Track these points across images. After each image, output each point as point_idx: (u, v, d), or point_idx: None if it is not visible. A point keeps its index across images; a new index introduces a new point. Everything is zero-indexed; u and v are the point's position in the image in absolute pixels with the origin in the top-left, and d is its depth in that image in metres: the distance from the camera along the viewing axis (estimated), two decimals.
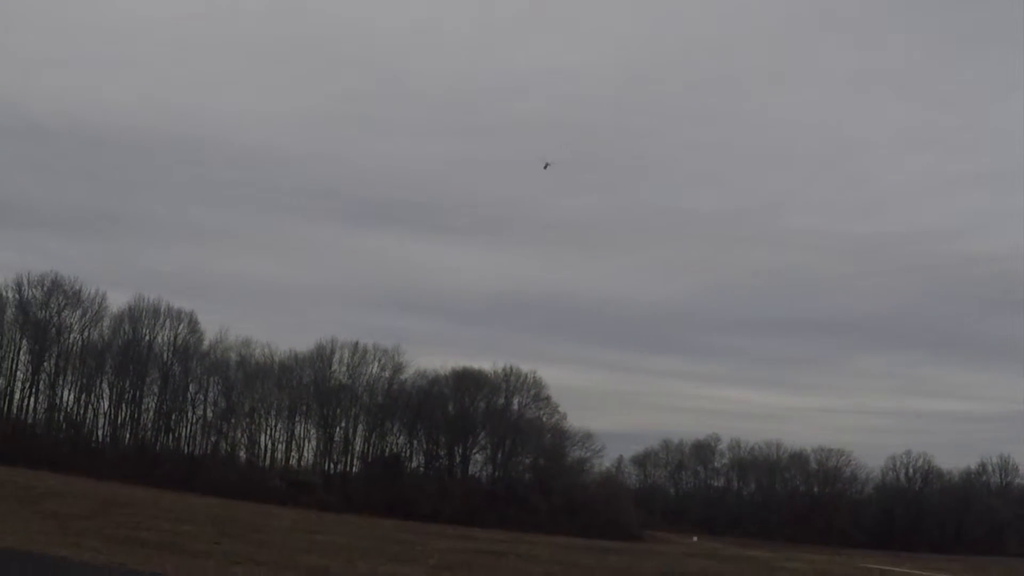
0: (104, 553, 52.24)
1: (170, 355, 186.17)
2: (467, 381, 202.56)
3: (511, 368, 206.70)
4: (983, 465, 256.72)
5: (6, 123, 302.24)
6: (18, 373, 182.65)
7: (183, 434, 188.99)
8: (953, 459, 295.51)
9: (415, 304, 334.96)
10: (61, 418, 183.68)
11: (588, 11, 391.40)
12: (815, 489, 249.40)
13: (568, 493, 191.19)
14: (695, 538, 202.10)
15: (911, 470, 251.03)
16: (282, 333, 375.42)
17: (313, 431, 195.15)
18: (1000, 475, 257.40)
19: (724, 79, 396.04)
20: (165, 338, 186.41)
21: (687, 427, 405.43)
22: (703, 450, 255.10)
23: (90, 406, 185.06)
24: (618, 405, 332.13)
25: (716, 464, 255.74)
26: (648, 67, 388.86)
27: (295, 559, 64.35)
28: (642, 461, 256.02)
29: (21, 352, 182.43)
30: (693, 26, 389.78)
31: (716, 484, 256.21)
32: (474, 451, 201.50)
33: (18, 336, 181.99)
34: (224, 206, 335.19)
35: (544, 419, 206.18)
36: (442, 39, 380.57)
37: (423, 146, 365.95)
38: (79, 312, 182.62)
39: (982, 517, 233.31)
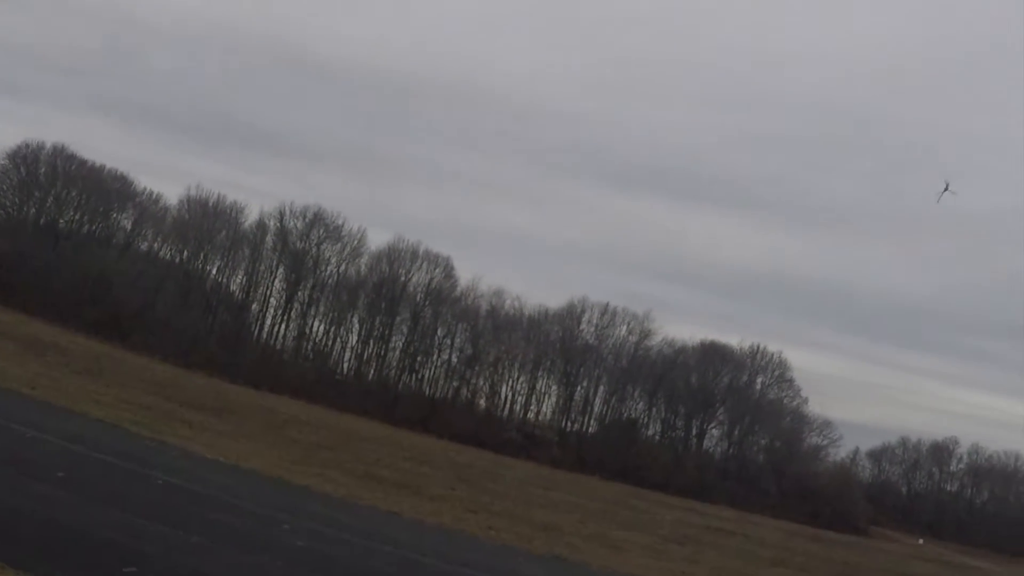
0: (344, 486, 53.33)
1: (423, 297, 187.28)
2: (712, 354, 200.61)
3: (758, 346, 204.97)
4: None
5: (287, 57, 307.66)
6: (271, 300, 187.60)
7: (426, 376, 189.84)
8: None
9: (669, 272, 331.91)
10: (309, 348, 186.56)
11: None
12: None
13: (800, 479, 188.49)
14: (921, 540, 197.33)
15: None
16: (534, 287, 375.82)
17: (554, 387, 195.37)
18: None
19: (996, 70, 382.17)
20: (420, 280, 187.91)
21: (927, 426, 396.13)
22: (940, 452, 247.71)
23: (338, 339, 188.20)
24: (861, 396, 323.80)
25: (952, 468, 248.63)
26: (918, 53, 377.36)
27: (528, 513, 65.32)
28: (878, 456, 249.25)
29: (277, 280, 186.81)
30: (965, 10, 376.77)
31: (949, 488, 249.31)
32: (711, 426, 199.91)
33: (275, 264, 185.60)
34: (491, 157, 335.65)
35: (785, 401, 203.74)
36: (728, 9, 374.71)
37: (698, 117, 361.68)
38: (338, 246, 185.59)
39: None
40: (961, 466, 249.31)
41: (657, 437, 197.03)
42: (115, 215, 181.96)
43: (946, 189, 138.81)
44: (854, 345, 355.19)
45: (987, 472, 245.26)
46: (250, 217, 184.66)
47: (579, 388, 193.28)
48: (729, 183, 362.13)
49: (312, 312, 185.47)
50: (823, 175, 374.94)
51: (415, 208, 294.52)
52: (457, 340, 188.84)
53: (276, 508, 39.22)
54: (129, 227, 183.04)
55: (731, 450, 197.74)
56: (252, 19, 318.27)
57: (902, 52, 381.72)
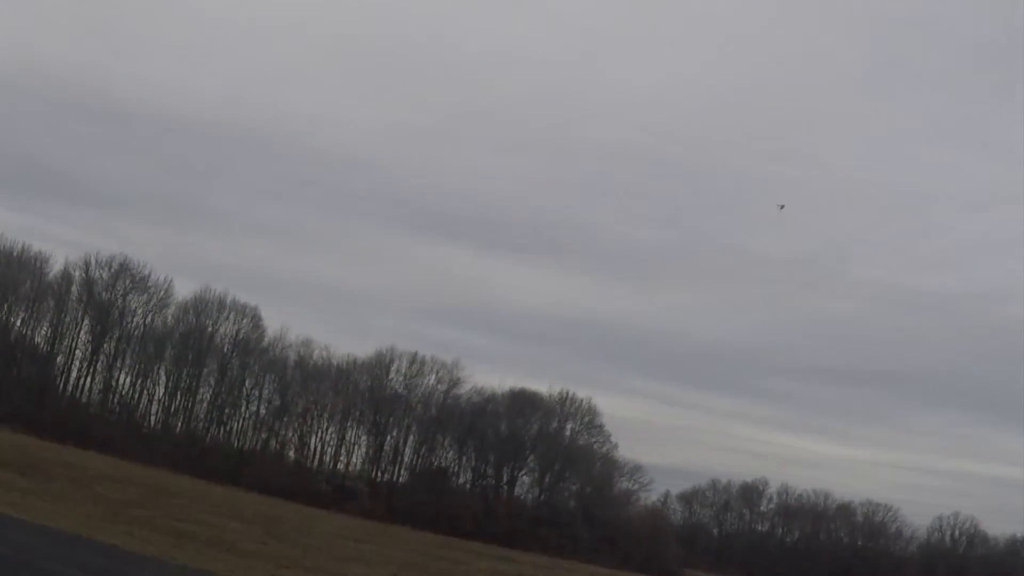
0: (154, 544, 52.36)
1: (230, 348, 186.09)
2: (522, 402, 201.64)
3: (567, 393, 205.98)
4: None
5: (90, 104, 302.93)
6: (77, 352, 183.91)
7: (234, 428, 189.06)
8: (1001, 525, 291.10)
9: (476, 319, 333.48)
10: (115, 401, 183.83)
11: (670, 40, 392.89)
12: (859, 542, 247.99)
13: (612, 523, 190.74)
14: None
15: (957, 532, 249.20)
16: (342, 336, 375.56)
17: (364, 438, 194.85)
18: None
19: (800, 119, 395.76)
20: (227, 331, 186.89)
21: (736, 468, 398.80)
22: (750, 493, 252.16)
23: (145, 392, 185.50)
24: (670, 440, 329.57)
25: (762, 508, 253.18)
26: (724, 101, 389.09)
27: (342, 568, 65.04)
28: (689, 498, 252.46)
29: (82, 331, 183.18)
30: (773, 65, 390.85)
31: (760, 528, 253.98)
32: (522, 473, 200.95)
33: (80, 315, 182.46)
34: (297, 204, 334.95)
35: (595, 447, 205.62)
36: (526, 56, 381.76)
37: (500, 163, 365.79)
38: (145, 297, 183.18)
39: None
40: (771, 506, 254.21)
41: (468, 485, 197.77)
42: None
43: (782, 207, 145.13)
44: (661, 389, 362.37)
45: (797, 511, 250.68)
46: (55, 267, 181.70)
47: (389, 438, 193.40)
48: (532, 229, 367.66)
49: (118, 364, 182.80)
50: (624, 221, 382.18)
51: (222, 257, 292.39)
52: (265, 391, 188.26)
53: (85, 570, 38.75)
54: None
55: (542, 497, 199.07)
56: (56, 64, 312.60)
57: (701, 100, 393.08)
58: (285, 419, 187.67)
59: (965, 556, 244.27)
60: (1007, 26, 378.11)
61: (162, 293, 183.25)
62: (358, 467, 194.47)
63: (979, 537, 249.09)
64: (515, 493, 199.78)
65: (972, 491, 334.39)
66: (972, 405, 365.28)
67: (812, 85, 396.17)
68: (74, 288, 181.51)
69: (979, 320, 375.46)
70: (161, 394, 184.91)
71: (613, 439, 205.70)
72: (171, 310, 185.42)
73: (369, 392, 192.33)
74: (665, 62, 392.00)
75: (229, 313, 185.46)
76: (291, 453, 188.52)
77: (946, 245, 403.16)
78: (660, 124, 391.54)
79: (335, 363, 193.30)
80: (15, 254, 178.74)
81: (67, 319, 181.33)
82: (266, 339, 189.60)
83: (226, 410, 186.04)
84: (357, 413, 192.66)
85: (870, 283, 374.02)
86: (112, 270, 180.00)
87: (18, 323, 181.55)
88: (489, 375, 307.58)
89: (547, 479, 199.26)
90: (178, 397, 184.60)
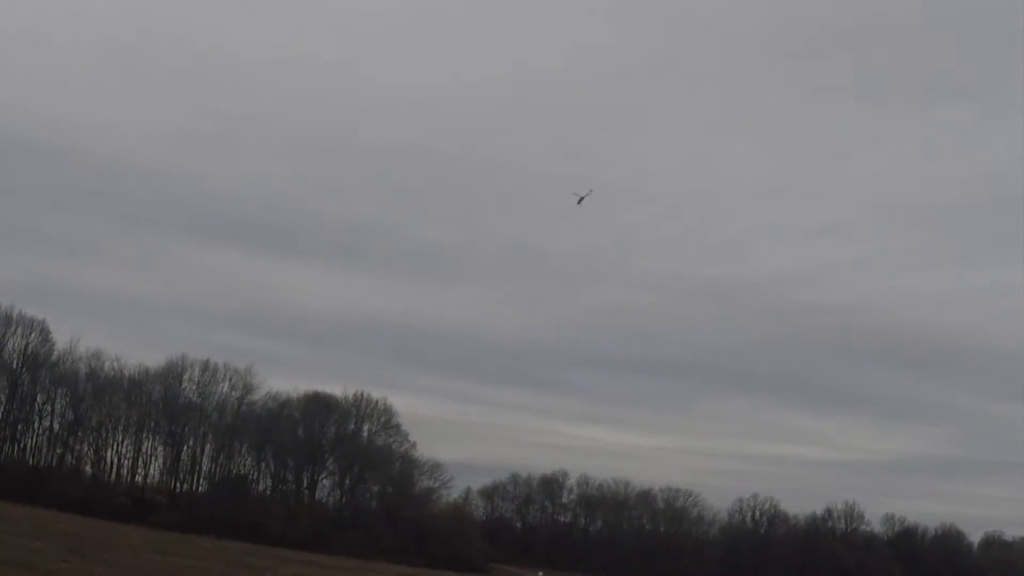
0: None
1: (19, 363, 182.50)
2: (317, 405, 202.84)
3: (362, 394, 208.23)
4: (829, 511, 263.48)
5: None
6: None
7: (28, 445, 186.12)
8: (800, 504, 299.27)
9: (268, 324, 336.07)
10: None
11: (449, 41, 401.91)
12: (661, 528, 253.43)
13: (415, 522, 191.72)
14: (540, 573, 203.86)
15: (758, 513, 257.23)
16: (133, 347, 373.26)
17: (160, 448, 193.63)
18: (846, 521, 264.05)
19: (585, 115, 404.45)
20: (15, 346, 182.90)
21: (536, 462, 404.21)
22: (551, 485, 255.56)
23: None
24: (468, 437, 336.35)
25: (564, 500, 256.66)
26: (508, 100, 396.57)
27: None
28: (490, 494, 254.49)
29: None
30: (556, 61, 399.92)
31: (563, 520, 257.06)
32: (322, 476, 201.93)
33: None
34: (80, 215, 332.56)
35: (394, 447, 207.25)
36: (306, 62, 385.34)
37: (283, 167, 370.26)
38: None
39: (827, 562, 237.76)
40: (572, 497, 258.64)
41: (268, 492, 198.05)
42: None
43: (585, 196, 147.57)
44: (457, 387, 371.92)
45: (598, 501, 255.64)
46: None
47: (186, 448, 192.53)
48: (319, 233, 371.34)
49: None
50: (413, 221, 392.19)
51: (7, 271, 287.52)
52: (58, 405, 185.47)
53: None
54: None
55: (344, 499, 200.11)
56: None
57: (485, 100, 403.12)
58: (80, 433, 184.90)
59: (767, 536, 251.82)
60: (787, 21, 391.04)
61: None
62: (157, 479, 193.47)
63: (780, 517, 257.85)
64: (316, 497, 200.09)
65: (770, 473, 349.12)
66: (762, 389, 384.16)
67: (595, 81, 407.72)
68: None
69: (763, 306, 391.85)
70: None
71: (411, 438, 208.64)
72: None
73: (163, 402, 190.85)
74: (446, 64, 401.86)
75: (16, 327, 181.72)
76: (88, 467, 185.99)
77: (729, 234, 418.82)
78: (444, 125, 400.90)
79: (127, 374, 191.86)
80: None
81: None
82: (56, 352, 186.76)
83: (19, 427, 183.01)
84: (152, 424, 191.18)
85: (657, 273, 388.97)
86: None
87: None
88: (283, 380, 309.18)
89: (348, 481, 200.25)
90: None
